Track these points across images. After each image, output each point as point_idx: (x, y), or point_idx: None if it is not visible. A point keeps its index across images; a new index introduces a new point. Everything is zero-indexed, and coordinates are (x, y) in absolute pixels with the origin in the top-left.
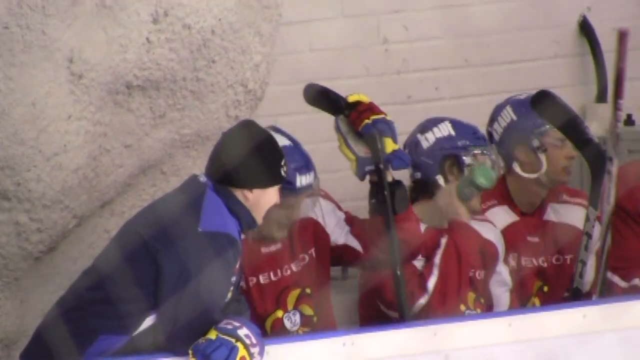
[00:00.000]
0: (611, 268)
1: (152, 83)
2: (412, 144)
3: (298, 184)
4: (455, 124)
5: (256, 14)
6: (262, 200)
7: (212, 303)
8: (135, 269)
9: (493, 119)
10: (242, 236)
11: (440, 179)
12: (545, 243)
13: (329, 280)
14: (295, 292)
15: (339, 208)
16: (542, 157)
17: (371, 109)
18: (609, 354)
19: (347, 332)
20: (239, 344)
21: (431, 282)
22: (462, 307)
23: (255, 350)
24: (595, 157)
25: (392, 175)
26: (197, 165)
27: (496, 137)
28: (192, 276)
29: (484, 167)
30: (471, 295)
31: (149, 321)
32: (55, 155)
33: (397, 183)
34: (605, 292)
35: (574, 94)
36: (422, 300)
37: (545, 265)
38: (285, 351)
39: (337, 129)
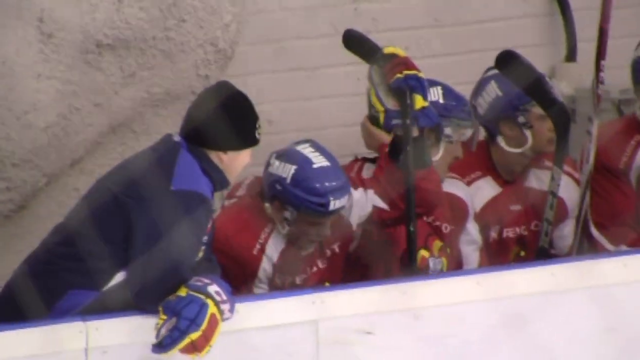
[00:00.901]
0: (598, 226)
1: (122, 42)
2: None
3: (331, 207)
4: (447, 92)
5: None
6: (236, 162)
7: (182, 260)
8: (106, 225)
9: (477, 93)
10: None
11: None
12: (526, 210)
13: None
14: None
15: (353, 187)
16: (528, 132)
17: (405, 63)
18: (578, 311)
19: (316, 290)
20: (209, 301)
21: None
22: (426, 254)
23: (225, 307)
24: (560, 117)
25: (417, 130)
26: (167, 124)
27: (481, 111)
28: (163, 233)
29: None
30: (437, 243)
31: (119, 277)
32: (25, 113)
33: (421, 138)
34: (584, 251)
35: (543, 53)
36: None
37: (526, 233)
38: (255, 309)
39: (370, 78)
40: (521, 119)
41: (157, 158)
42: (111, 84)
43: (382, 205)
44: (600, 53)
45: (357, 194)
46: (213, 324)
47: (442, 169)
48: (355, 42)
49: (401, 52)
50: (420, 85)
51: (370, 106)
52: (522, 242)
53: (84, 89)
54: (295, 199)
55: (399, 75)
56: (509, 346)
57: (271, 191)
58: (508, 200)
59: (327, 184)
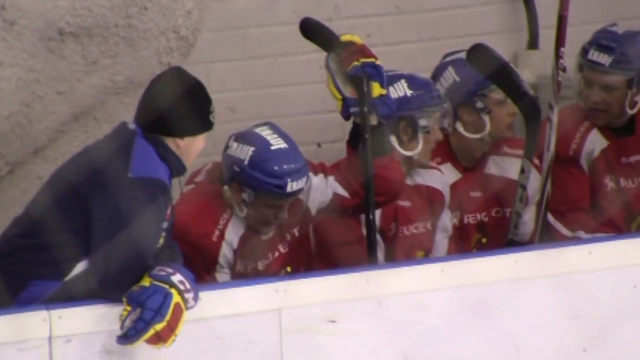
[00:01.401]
0: (554, 212)
1: (84, 30)
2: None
3: (289, 189)
4: (411, 82)
5: None
6: (192, 147)
7: (143, 248)
8: (66, 214)
9: (435, 79)
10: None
11: (394, 140)
12: (486, 197)
13: (307, 256)
14: (281, 273)
15: (313, 173)
16: (486, 118)
17: (362, 51)
18: (542, 299)
19: (279, 279)
20: (173, 290)
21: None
22: None
23: (189, 295)
24: (531, 110)
25: (376, 118)
26: (129, 112)
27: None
28: (123, 221)
29: None
30: (419, 254)
31: (80, 267)
32: None
33: (380, 126)
34: (545, 239)
35: (505, 40)
36: None
37: (487, 219)
38: (218, 298)
39: (327, 66)
40: (479, 104)
41: (114, 146)
42: (74, 71)
43: (343, 192)
44: (560, 40)
45: (317, 179)
46: (177, 314)
47: (424, 157)
48: (313, 31)
49: (358, 40)
50: (378, 73)
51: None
52: (483, 228)
53: (46, 76)
54: (253, 180)
55: (355, 62)
56: (473, 334)
57: (229, 173)
58: (468, 186)
59: (285, 166)
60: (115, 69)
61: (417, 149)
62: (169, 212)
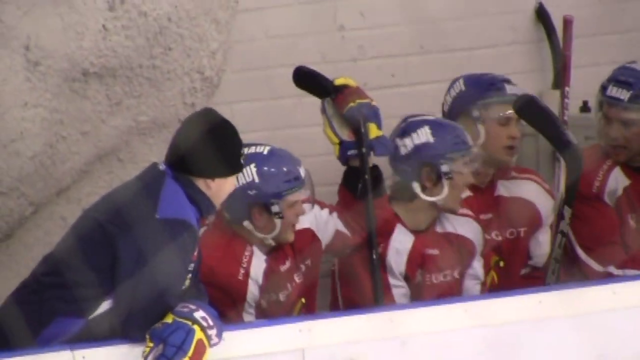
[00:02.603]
0: (584, 248)
1: (108, 70)
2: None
3: (302, 174)
4: (435, 128)
5: (212, 2)
6: (223, 188)
7: (168, 289)
8: (92, 253)
9: (447, 92)
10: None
11: (417, 187)
12: (499, 218)
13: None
14: (299, 304)
15: (321, 207)
16: (481, 128)
17: (357, 92)
18: (565, 339)
19: (303, 319)
20: (195, 327)
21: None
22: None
23: (212, 332)
24: (573, 159)
25: (372, 160)
26: (153, 152)
27: (446, 108)
28: (148, 261)
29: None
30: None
31: (105, 305)
32: (12, 142)
33: (375, 168)
34: (558, 275)
35: (531, 80)
36: None
37: (500, 238)
38: (242, 337)
39: (323, 111)
40: (475, 113)
41: (143, 187)
42: (98, 112)
43: (345, 230)
44: (565, 80)
45: (325, 214)
46: (200, 350)
47: (453, 203)
48: (305, 79)
49: (352, 83)
50: (374, 114)
51: None
52: (499, 250)
53: (70, 117)
54: (274, 188)
55: (352, 104)
56: None
57: (244, 204)
58: (478, 208)
59: (285, 159)
60: (139, 109)
61: (442, 195)
62: (195, 253)
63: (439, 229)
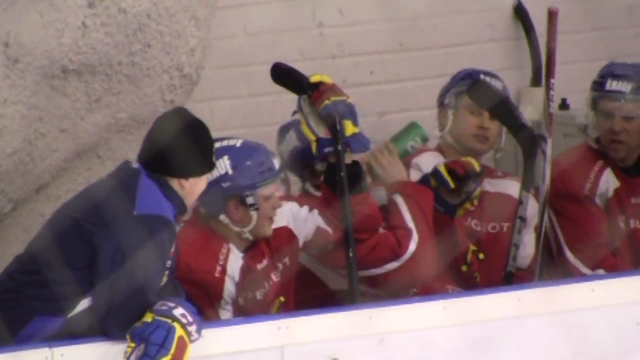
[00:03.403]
0: (573, 250)
1: (87, 67)
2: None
3: (276, 164)
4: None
5: None
6: (196, 187)
7: (147, 285)
8: (70, 251)
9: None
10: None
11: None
12: (483, 212)
13: (294, 287)
14: (276, 303)
15: (300, 204)
16: (450, 114)
17: (333, 90)
18: (544, 336)
19: (282, 316)
20: (175, 324)
21: (414, 231)
22: (464, 268)
23: (192, 328)
24: (529, 141)
25: (350, 157)
26: (132, 149)
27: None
28: (127, 258)
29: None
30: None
31: (84, 303)
32: None
33: (355, 164)
34: (543, 273)
35: (509, 77)
36: (412, 247)
37: (480, 229)
38: (221, 335)
39: (300, 108)
40: (446, 101)
41: (118, 184)
42: (77, 109)
43: (326, 227)
44: (550, 72)
45: (303, 211)
46: (182, 347)
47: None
48: (282, 75)
49: (328, 80)
50: (350, 111)
51: None
52: (478, 241)
53: (49, 114)
54: (249, 179)
55: (327, 101)
56: None
57: (220, 197)
58: None
59: (258, 151)
60: (118, 106)
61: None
62: (172, 249)
63: None
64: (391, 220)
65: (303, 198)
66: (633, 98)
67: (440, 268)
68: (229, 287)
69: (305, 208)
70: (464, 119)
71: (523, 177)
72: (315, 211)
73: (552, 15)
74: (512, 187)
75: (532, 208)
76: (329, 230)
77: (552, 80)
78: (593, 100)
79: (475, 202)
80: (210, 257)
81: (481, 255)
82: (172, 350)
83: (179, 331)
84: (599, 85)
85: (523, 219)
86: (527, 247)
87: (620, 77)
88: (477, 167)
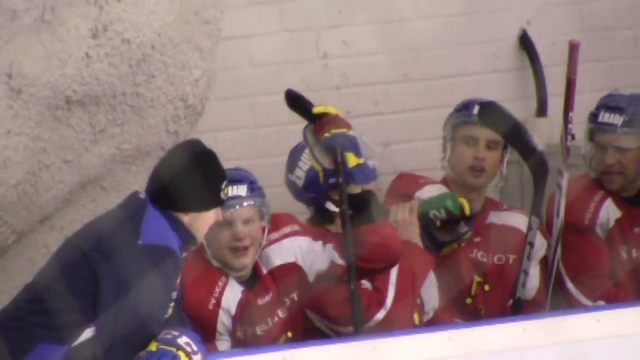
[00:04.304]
0: (574, 281)
1: (91, 98)
2: (290, 184)
3: (222, 195)
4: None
5: (195, 29)
6: (202, 221)
7: (151, 316)
8: (74, 280)
9: None
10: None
11: (330, 205)
12: (489, 243)
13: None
14: (283, 338)
15: (314, 238)
16: (448, 146)
17: (334, 122)
18: None
19: (286, 347)
20: (180, 353)
21: (389, 299)
22: (468, 300)
23: (197, 357)
24: (538, 166)
25: (359, 187)
26: (137, 181)
27: None
28: (130, 288)
29: (454, 194)
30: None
31: (88, 332)
32: None
33: (367, 193)
34: (523, 295)
35: (514, 108)
36: (380, 315)
37: (485, 260)
38: None
39: (305, 139)
40: (444, 132)
41: (125, 214)
42: (81, 140)
43: (339, 261)
44: (568, 104)
45: (317, 246)
46: None
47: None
48: (294, 103)
49: (332, 110)
50: (351, 143)
51: None
52: (484, 272)
53: (53, 145)
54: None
55: (327, 134)
56: None
57: None
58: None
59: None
60: (122, 137)
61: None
62: (178, 281)
63: None
64: (376, 280)
65: (316, 231)
66: (625, 131)
67: (446, 300)
68: (223, 320)
69: (320, 243)
70: (459, 151)
71: (532, 202)
72: (330, 245)
73: (573, 48)
74: (517, 220)
75: (538, 242)
76: (343, 263)
77: (570, 114)
78: (590, 131)
79: (463, 244)
80: (204, 289)
81: (487, 287)
82: None
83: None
84: (593, 117)
85: (532, 245)
86: (532, 280)
87: (613, 109)
88: (467, 211)
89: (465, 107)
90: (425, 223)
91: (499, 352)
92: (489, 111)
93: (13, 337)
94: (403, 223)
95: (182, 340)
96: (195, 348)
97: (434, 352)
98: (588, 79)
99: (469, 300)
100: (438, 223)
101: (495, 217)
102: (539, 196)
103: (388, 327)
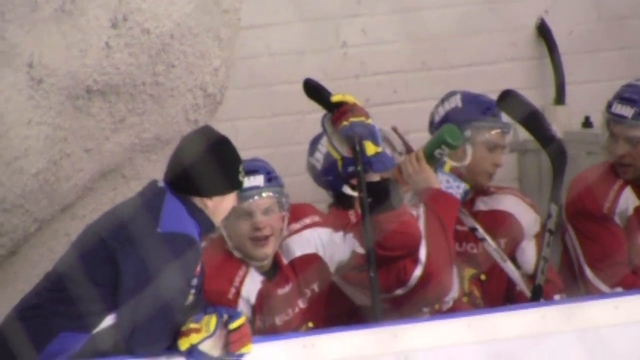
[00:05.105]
0: (593, 269)
1: (111, 87)
2: (310, 168)
3: (240, 177)
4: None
5: (215, 19)
6: (221, 206)
7: (170, 303)
8: (94, 268)
9: (441, 103)
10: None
11: (347, 189)
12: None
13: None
14: (303, 329)
15: (334, 229)
16: (469, 149)
17: (352, 110)
18: (568, 353)
19: (306, 334)
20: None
21: (422, 253)
22: (464, 299)
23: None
24: (557, 154)
25: (378, 175)
26: (157, 169)
27: (437, 118)
28: (150, 276)
29: (451, 126)
30: (469, 271)
31: (109, 320)
32: (16, 159)
33: (386, 181)
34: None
35: (532, 96)
36: (417, 272)
37: (475, 251)
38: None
39: (323, 128)
40: (467, 133)
41: (144, 202)
42: (101, 129)
43: (360, 250)
44: None
45: (338, 237)
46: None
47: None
48: (312, 92)
49: (350, 99)
50: (369, 132)
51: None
52: (475, 262)
53: (74, 134)
54: None
55: (345, 123)
56: None
57: None
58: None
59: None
60: (142, 126)
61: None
62: (198, 268)
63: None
64: None
65: (336, 221)
66: (635, 123)
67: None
68: (243, 309)
69: (340, 234)
70: (480, 155)
71: (551, 190)
72: (350, 235)
73: None
74: (505, 202)
75: (531, 217)
76: (364, 252)
77: None
78: (606, 121)
79: None
80: (224, 279)
81: (483, 277)
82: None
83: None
84: (609, 107)
85: (551, 232)
86: (528, 253)
87: (626, 100)
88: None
89: (489, 110)
90: (435, 165)
91: (518, 339)
92: (508, 99)
93: (34, 326)
94: (415, 174)
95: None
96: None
97: (453, 339)
98: (605, 67)
99: (465, 300)
100: (446, 160)
101: (483, 204)
102: (558, 184)
103: (430, 283)
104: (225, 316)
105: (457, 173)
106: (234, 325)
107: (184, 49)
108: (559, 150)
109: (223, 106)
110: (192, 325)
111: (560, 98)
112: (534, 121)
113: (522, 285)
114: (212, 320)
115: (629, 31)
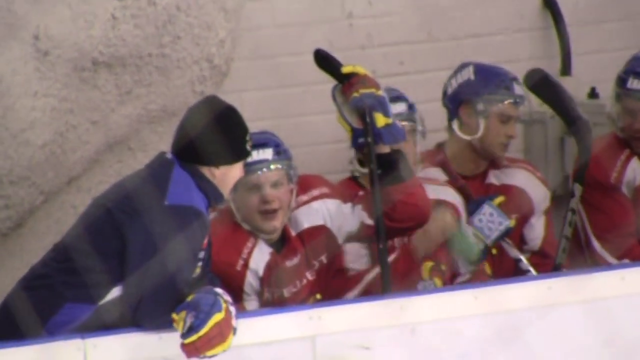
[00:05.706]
0: (600, 239)
1: (117, 59)
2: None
3: (247, 146)
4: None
5: None
6: (229, 176)
7: (177, 275)
8: (101, 239)
9: (454, 75)
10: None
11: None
12: None
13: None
14: (310, 301)
15: (343, 201)
16: (482, 122)
17: (362, 82)
18: (575, 325)
19: (313, 306)
20: (219, 298)
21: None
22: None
23: (232, 308)
24: (583, 133)
25: (388, 147)
26: (163, 141)
27: (449, 90)
28: (157, 248)
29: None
30: (426, 265)
31: (115, 292)
32: (22, 131)
33: (396, 153)
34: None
35: (538, 67)
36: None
37: None
38: (252, 325)
39: (334, 98)
40: (480, 106)
41: (151, 174)
42: (107, 101)
43: (369, 221)
44: None
45: (346, 208)
46: (229, 318)
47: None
48: (322, 62)
49: (360, 70)
50: (379, 103)
51: None
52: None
53: (80, 106)
54: None
55: (355, 94)
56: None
57: None
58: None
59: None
60: (148, 98)
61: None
62: (206, 241)
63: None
64: None
65: (345, 192)
66: None
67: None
68: (251, 281)
69: (349, 205)
70: (494, 127)
71: (576, 169)
72: (359, 206)
73: None
74: (517, 177)
75: (541, 193)
76: (373, 224)
77: None
78: (617, 95)
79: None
80: (233, 250)
81: (494, 251)
82: (224, 311)
83: (224, 304)
84: (621, 81)
85: (574, 212)
86: (536, 230)
87: None
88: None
89: (503, 82)
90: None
91: (525, 310)
92: (539, 80)
93: (41, 296)
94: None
95: (218, 290)
96: (229, 299)
97: (460, 311)
98: (611, 38)
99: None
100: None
101: (495, 177)
102: (584, 163)
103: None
104: (189, 323)
105: (471, 146)
106: (188, 340)
107: (190, 20)
108: (585, 129)
109: (229, 78)
110: (174, 316)
111: (566, 69)
112: (560, 100)
113: None
114: (180, 322)
115: (635, 1)
